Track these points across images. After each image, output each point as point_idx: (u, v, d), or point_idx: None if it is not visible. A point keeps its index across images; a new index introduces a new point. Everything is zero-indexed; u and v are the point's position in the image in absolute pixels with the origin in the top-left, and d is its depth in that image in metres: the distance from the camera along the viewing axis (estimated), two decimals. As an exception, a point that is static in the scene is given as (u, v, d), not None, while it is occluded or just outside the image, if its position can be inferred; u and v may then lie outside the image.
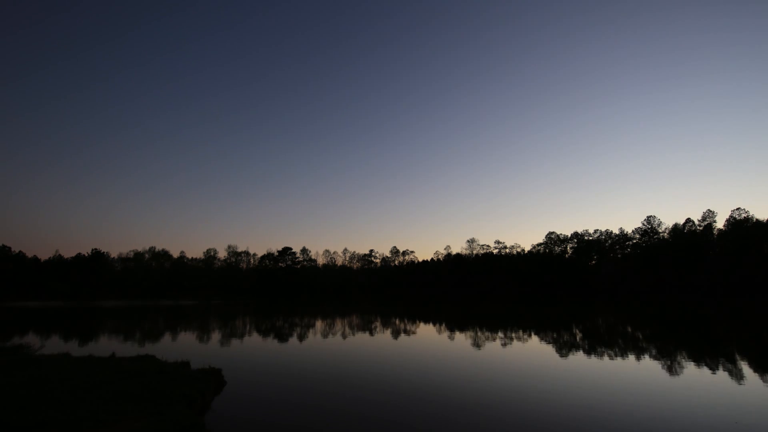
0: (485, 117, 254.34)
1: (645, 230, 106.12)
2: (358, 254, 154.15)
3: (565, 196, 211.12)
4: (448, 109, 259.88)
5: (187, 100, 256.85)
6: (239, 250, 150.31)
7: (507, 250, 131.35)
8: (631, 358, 19.58)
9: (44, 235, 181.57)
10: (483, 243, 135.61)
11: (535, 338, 26.96)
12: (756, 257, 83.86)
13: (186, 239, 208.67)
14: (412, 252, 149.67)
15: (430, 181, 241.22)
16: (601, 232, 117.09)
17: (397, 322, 40.65)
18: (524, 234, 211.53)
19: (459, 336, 28.91)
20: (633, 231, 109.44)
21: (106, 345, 24.84)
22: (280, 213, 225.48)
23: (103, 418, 9.14)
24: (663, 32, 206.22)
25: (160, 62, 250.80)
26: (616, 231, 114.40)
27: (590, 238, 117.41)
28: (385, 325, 37.99)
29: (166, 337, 29.63)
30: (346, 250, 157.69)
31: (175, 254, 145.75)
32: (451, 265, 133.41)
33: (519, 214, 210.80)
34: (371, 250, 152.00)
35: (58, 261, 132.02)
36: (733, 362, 18.11)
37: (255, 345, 25.50)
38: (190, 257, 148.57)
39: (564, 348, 22.95)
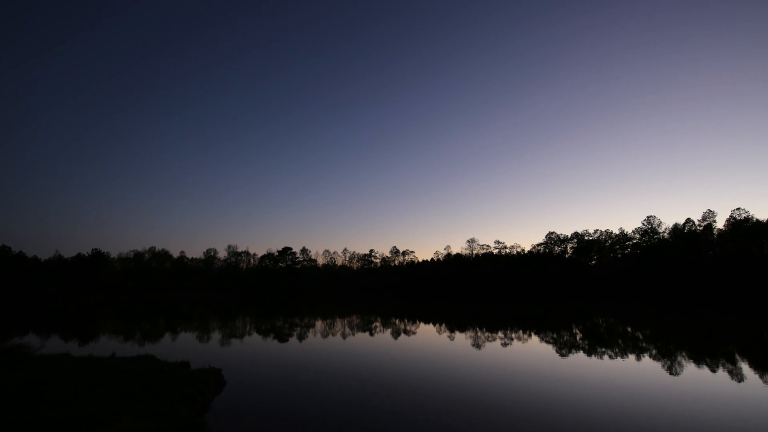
0: (485, 117, 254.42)
1: (645, 230, 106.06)
2: (358, 254, 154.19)
3: (565, 196, 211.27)
4: (448, 109, 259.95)
5: (187, 101, 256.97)
6: (239, 250, 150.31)
7: (507, 250, 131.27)
8: (631, 358, 19.58)
9: (44, 235, 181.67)
10: (483, 243, 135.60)
11: (535, 338, 26.97)
12: (756, 257, 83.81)
13: (186, 239, 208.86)
14: (412, 252, 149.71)
15: (430, 181, 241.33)
16: (601, 232, 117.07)
17: (397, 322, 40.64)
18: (524, 234, 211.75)
19: (459, 336, 28.91)
20: (633, 231, 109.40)
21: (106, 345, 24.83)
22: (280, 213, 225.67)
23: (103, 418, 9.15)
24: (663, 32, 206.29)
25: (160, 62, 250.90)
26: (616, 231, 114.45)
27: (590, 238, 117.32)
28: (385, 325, 37.99)
29: (166, 337, 29.63)
30: (346, 250, 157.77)
31: (175, 254, 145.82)
32: (451, 265, 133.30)
33: (519, 214, 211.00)
34: (371, 250, 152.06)
35: (58, 261, 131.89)
36: (733, 363, 18.11)
37: (255, 345, 25.50)
38: (190, 257, 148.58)
39: (564, 348, 22.96)
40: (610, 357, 19.92)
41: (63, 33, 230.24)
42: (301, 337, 28.94)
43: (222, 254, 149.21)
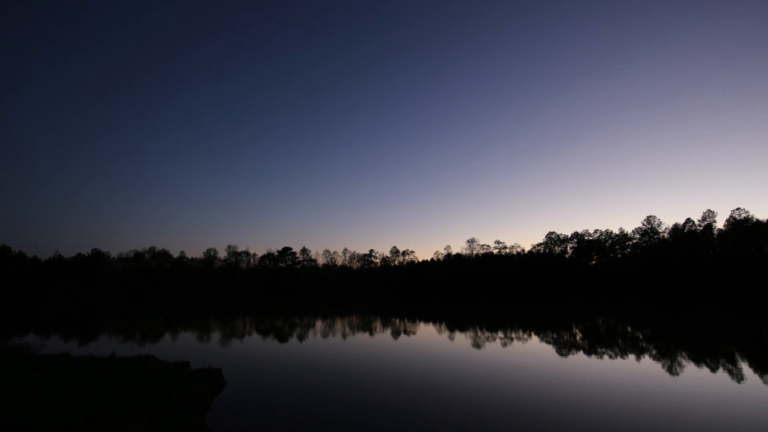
0: (485, 117, 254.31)
1: (645, 230, 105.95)
2: (358, 254, 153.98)
3: (565, 196, 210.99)
4: (448, 110, 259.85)
5: (187, 101, 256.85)
6: (239, 250, 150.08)
7: (507, 250, 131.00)
8: (631, 358, 19.59)
9: (44, 235, 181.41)
10: (483, 243, 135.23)
11: (535, 338, 26.96)
12: (756, 257, 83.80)
13: (186, 239, 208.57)
14: (412, 252, 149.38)
15: (431, 181, 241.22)
16: (601, 232, 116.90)
17: (397, 322, 40.65)
18: (524, 234, 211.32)
19: (459, 336, 28.91)
20: (633, 231, 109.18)
21: (106, 345, 24.84)
22: (280, 213, 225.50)
23: (103, 418, 9.15)
24: (663, 31, 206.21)
25: (161, 62, 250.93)
26: (616, 231, 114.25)
27: (590, 238, 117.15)
28: (385, 325, 37.99)
29: (166, 337, 29.63)
30: (346, 250, 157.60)
31: (175, 254, 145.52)
32: (451, 265, 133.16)
33: (519, 214, 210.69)
34: (371, 250, 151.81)
35: (58, 261, 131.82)
36: (733, 363, 18.11)
37: (255, 345, 25.50)
38: (190, 257, 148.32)
39: (564, 348, 22.96)
40: (610, 357, 19.92)
41: (67, 34, 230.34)
42: (301, 337, 28.94)
43: (222, 254, 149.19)
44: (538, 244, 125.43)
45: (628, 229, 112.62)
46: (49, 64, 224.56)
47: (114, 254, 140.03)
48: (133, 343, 26.08)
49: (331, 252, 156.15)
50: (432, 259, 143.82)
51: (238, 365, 18.31)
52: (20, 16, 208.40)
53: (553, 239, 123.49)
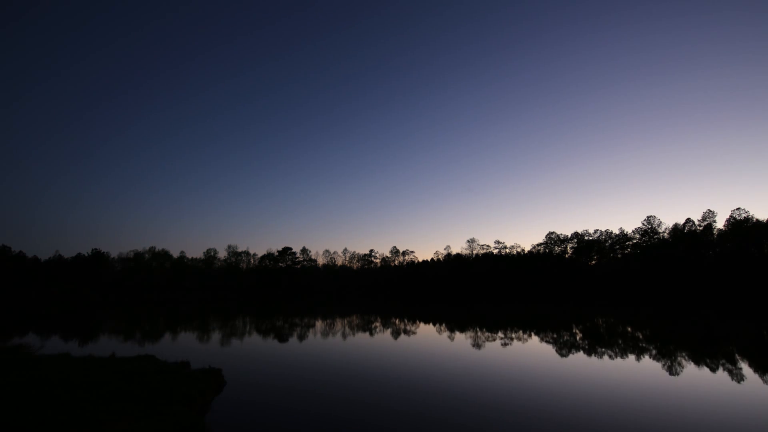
0: (485, 117, 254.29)
1: (645, 230, 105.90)
2: (358, 254, 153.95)
3: (565, 196, 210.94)
4: (448, 110, 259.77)
5: (188, 101, 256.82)
6: (239, 250, 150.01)
7: (507, 250, 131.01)
8: (631, 358, 19.59)
9: (44, 235, 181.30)
10: (483, 243, 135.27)
11: (535, 338, 26.96)
12: (756, 257, 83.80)
13: (186, 239, 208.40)
14: (412, 252, 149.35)
15: (431, 181, 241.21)
16: (601, 232, 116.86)
17: (397, 322, 40.64)
18: (524, 234, 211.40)
19: (459, 336, 28.91)
20: (633, 231, 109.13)
21: (106, 345, 24.84)
22: (280, 213, 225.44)
23: (103, 418, 9.15)
24: (663, 31, 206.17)
25: (162, 62, 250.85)
26: (616, 231, 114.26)
27: (590, 238, 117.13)
28: (385, 325, 37.99)
29: (166, 337, 29.63)
30: (346, 250, 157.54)
31: (175, 254, 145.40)
32: (451, 265, 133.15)
33: (519, 214, 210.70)
34: (371, 250, 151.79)
35: (58, 261, 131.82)
36: (733, 363, 18.11)
37: (255, 345, 25.50)
38: (190, 257, 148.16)
39: (564, 348, 22.96)
40: (610, 357, 19.92)
41: (68, 33, 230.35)
42: (301, 337, 28.94)
43: (222, 254, 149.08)
44: (538, 244, 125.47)
45: (628, 229, 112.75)
46: (52, 69, 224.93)
47: (114, 254, 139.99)
48: (133, 343, 26.08)
49: (331, 252, 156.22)
50: (432, 259, 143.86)
51: (238, 365, 18.31)
52: (30, 22, 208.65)
53: (553, 239, 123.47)
